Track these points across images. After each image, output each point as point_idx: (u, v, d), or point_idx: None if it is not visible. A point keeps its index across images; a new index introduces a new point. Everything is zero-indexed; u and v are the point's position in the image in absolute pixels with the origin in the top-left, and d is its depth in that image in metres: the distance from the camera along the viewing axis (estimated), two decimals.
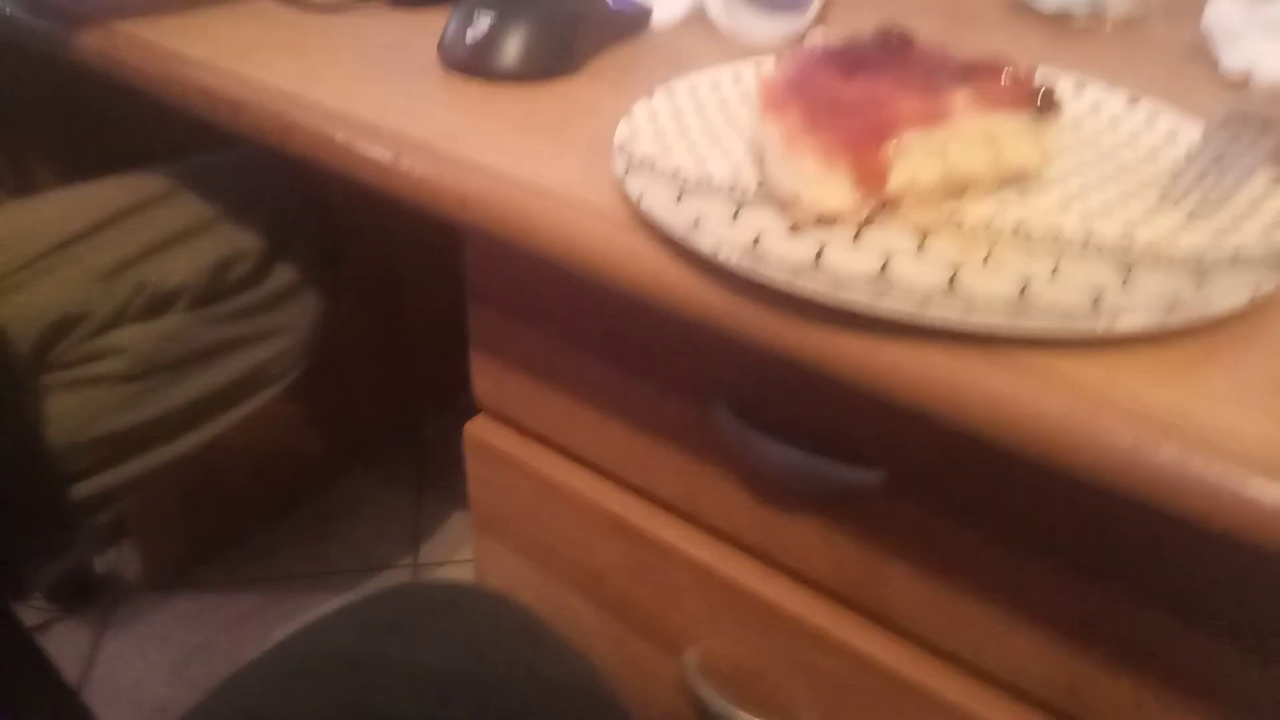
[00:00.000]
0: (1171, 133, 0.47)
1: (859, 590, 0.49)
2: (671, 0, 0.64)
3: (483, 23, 0.54)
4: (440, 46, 0.57)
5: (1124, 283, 0.36)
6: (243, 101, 0.54)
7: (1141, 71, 0.61)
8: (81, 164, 0.80)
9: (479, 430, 0.63)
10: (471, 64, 0.55)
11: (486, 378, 0.61)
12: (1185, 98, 0.56)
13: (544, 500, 0.61)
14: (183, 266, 0.70)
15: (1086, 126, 0.49)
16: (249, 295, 0.73)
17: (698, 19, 0.64)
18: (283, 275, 0.76)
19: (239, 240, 0.73)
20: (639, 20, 0.62)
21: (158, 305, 0.68)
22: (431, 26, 0.59)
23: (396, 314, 1.23)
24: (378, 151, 0.48)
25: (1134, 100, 0.49)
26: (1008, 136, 0.41)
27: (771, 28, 0.63)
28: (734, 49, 0.61)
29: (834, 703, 0.52)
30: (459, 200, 0.45)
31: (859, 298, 0.34)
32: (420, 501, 1.33)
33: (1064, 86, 0.51)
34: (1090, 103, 0.50)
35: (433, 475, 1.34)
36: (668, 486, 0.55)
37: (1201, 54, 0.61)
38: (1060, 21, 0.69)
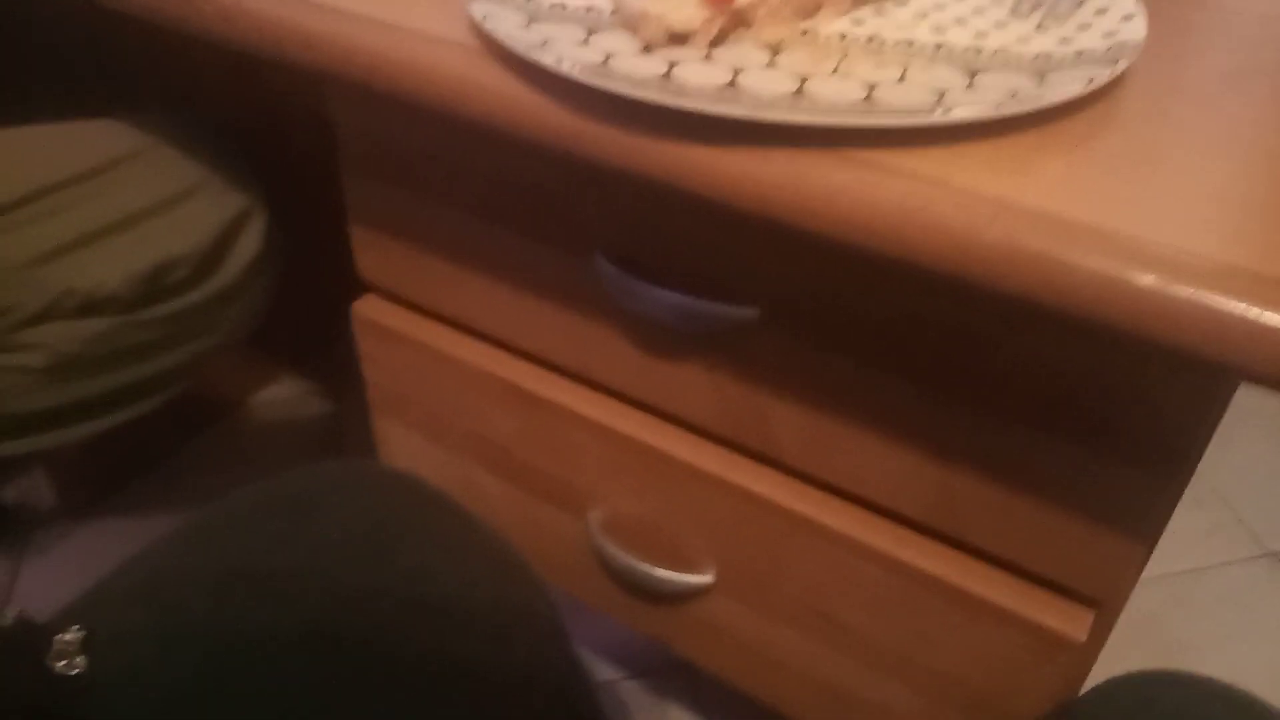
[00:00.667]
0: None
1: (744, 430, 0.50)
2: None
3: None
4: None
5: (968, 85, 0.36)
6: None
7: None
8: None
9: (366, 309, 0.62)
10: None
11: (369, 252, 0.60)
12: None
13: (437, 374, 0.60)
14: (115, 273, 0.64)
15: None
16: (186, 298, 0.68)
17: None
18: (225, 275, 0.70)
19: (179, 239, 0.66)
20: None
21: (86, 309, 0.64)
22: None
23: (311, 216, 1.20)
24: None
25: None
26: None
27: None
28: None
29: (729, 545, 0.53)
30: (303, 41, 0.43)
31: (703, 103, 0.33)
32: (341, 410, 1.32)
33: None
34: None
35: (354, 381, 1.32)
36: (557, 348, 0.54)
37: None
38: None
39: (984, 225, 0.30)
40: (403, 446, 0.68)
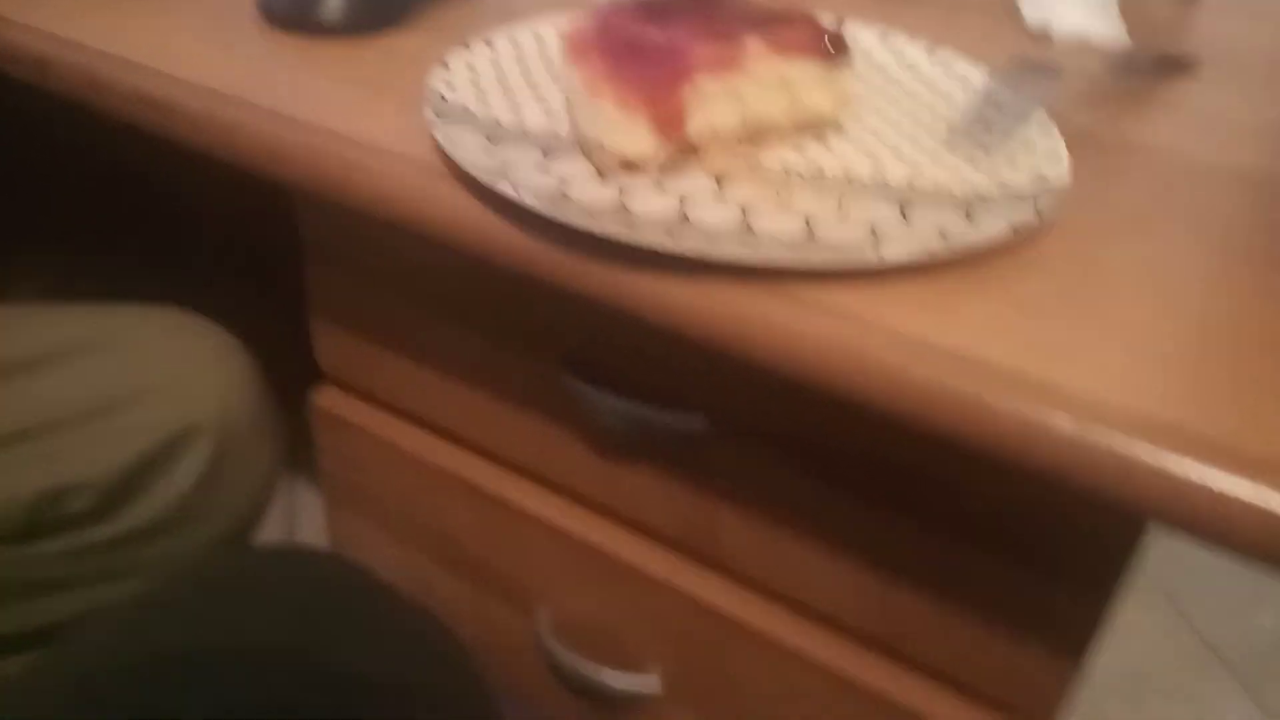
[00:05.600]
0: (964, 79, 0.49)
1: (693, 536, 0.51)
2: None
3: None
4: (260, 1, 0.55)
5: (903, 219, 0.38)
6: (48, 58, 0.52)
7: (956, 23, 0.63)
8: None
9: (325, 400, 0.62)
10: (293, 19, 0.54)
11: (329, 344, 0.60)
12: (992, 47, 0.59)
13: (392, 467, 0.60)
14: None
15: (888, 74, 0.51)
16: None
17: None
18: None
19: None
20: None
21: None
22: None
23: (265, 295, 1.19)
24: (191, 106, 0.47)
25: (932, 50, 0.51)
26: (802, 83, 0.42)
27: None
28: (565, 2, 0.61)
29: (678, 650, 0.54)
30: (270, 153, 0.45)
31: (653, 237, 0.35)
32: (293, 484, 1.30)
33: (869, 37, 0.53)
34: (894, 51, 0.52)
35: (305, 456, 1.31)
36: (512, 446, 0.55)
37: (1012, 10, 0.64)
38: None
39: (911, 365, 0.32)
40: (355, 535, 0.67)
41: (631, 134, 0.39)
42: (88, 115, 0.53)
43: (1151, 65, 0.57)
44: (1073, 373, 0.32)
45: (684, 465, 0.48)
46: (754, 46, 0.41)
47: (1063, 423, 0.30)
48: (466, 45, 0.48)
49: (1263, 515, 0.28)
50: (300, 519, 1.25)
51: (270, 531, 1.25)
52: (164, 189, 0.83)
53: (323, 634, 0.43)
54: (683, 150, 0.41)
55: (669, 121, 0.40)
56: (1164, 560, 1.24)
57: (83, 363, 0.57)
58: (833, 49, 0.42)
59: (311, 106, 0.47)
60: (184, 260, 0.91)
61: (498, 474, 0.57)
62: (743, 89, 0.41)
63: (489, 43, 0.49)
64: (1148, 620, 1.19)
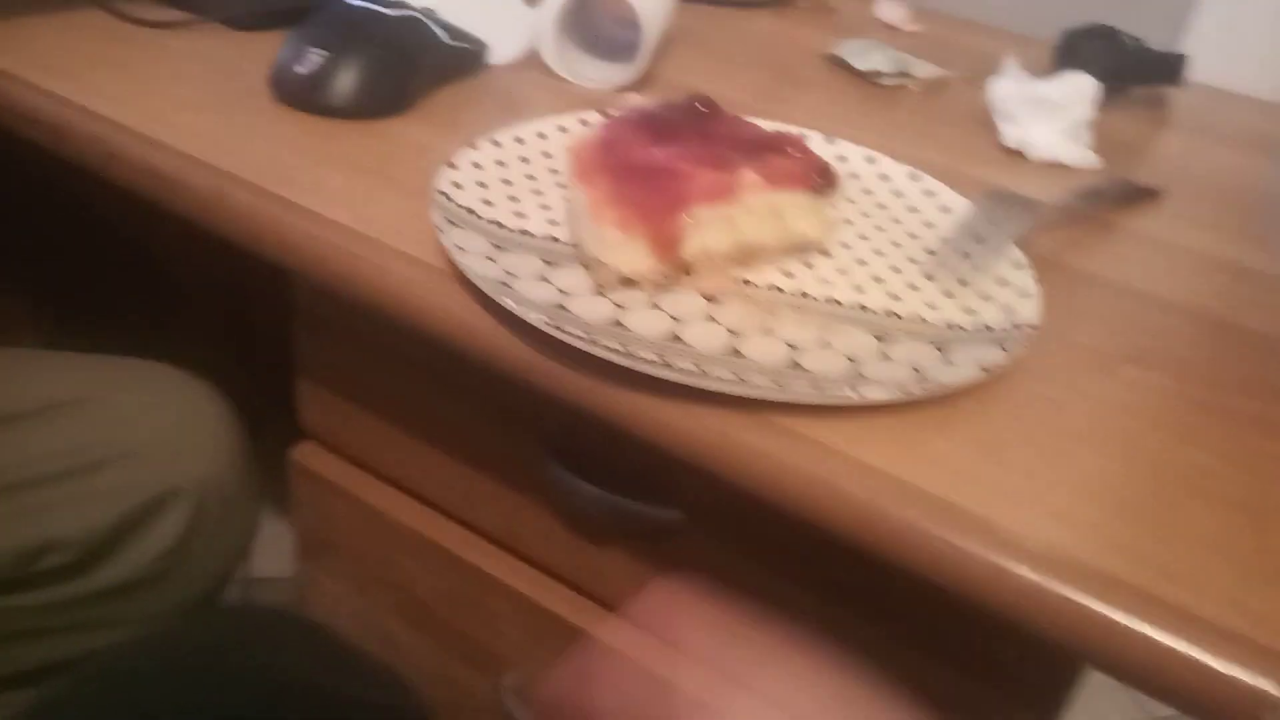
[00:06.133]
0: (945, 207, 0.52)
1: None
2: (508, 40, 0.66)
3: (312, 58, 0.55)
4: (272, 77, 0.57)
5: (881, 353, 0.41)
6: (66, 126, 0.53)
7: (937, 135, 0.67)
8: None
9: (304, 457, 0.63)
10: (302, 98, 0.56)
11: (313, 404, 0.62)
12: (970, 162, 0.63)
13: (367, 527, 0.62)
14: None
15: (874, 197, 0.54)
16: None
17: (533, 59, 0.66)
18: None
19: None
20: (475, 59, 0.64)
21: None
22: (270, 52, 0.59)
23: (243, 345, 1.20)
24: (202, 185, 0.49)
25: (915, 176, 0.54)
26: (791, 210, 0.45)
27: (602, 74, 0.66)
28: (566, 93, 0.64)
29: None
30: (279, 242, 0.46)
31: (648, 361, 0.37)
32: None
33: (857, 157, 0.56)
34: (878, 173, 0.55)
35: (273, 492, 1.31)
36: (488, 517, 0.57)
37: (990, 123, 0.67)
38: (872, 81, 0.75)
39: (883, 505, 0.35)
40: (324, 592, 0.68)
41: (630, 253, 0.42)
42: (91, 179, 0.54)
43: (1119, 193, 0.60)
44: (1029, 519, 0.34)
45: (658, 554, 0.50)
46: (748, 177, 0.44)
47: (1022, 571, 0.33)
48: (473, 145, 0.50)
49: (1196, 669, 0.31)
50: (259, 554, 1.25)
51: None
52: (158, 251, 0.84)
53: (288, 699, 0.44)
54: (677, 269, 0.44)
55: (666, 243, 0.42)
56: None
57: (70, 418, 0.58)
58: (822, 181, 0.45)
59: (319, 193, 0.48)
60: (171, 317, 0.92)
61: (471, 540, 0.58)
62: (736, 217, 0.44)
63: (495, 142, 0.51)
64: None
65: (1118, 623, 0.31)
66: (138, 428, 0.60)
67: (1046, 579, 0.32)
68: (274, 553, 1.25)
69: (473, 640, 0.61)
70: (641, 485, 0.48)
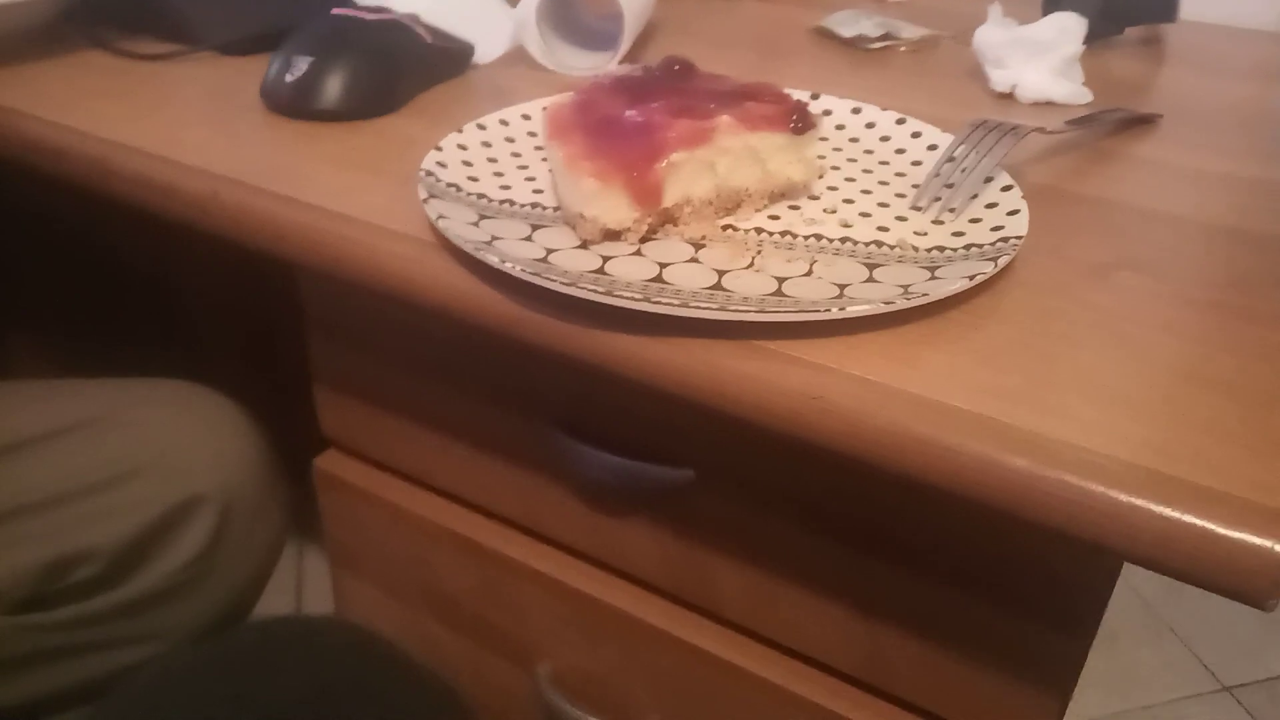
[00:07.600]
0: (932, 146, 0.52)
1: (686, 585, 0.52)
2: (493, 41, 0.68)
3: (299, 65, 0.56)
4: (262, 89, 0.59)
5: (868, 279, 0.40)
6: (65, 149, 0.55)
7: (927, 87, 0.66)
8: None
9: (328, 465, 0.64)
10: (292, 105, 0.57)
11: (331, 410, 0.63)
12: (961, 109, 0.62)
13: (394, 529, 0.62)
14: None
15: (860, 143, 0.53)
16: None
17: (519, 55, 0.67)
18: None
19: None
20: (462, 59, 0.65)
21: None
22: (262, 72, 0.61)
23: (270, 365, 1.22)
24: (196, 189, 0.50)
25: (902, 120, 0.54)
26: (770, 152, 0.45)
27: (587, 62, 0.67)
28: (552, 84, 0.65)
29: (674, 698, 0.55)
30: (273, 234, 0.47)
31: (629, 298, 0.37)
32: (301, 550, 1.31)
33: (843, 108, 0.56)
34: (864, 121, 0.55)
35: (313, 523, 1.32)
36: (509, 503, 0.57)
37: (979, 73, 0.67)
38: (861, 46, 0.75)
39: (873, 411, 0.34)
40: (359, 598, 0.69)
41: (610, 203, 0.42)
42: (94, 200, 0.55)
43: (1114, 122, 0.59)
44: (1022, 415, 0.34)
45: (675, 516, 0.50)
46: (724, 122, 0.44)
47: (1016, 461, 0.32)
48: (459, 129, 0.51)
49: (1219, 541, 0.30)
50: (307, 588, 1.26)
51: (279, 601, 1.25)
52: (167, 270, 0.86)
53: (334, 705, 0.44)
54: (662, 219, 0.44)
55: (646, 192, 0.42)
56: (1174, 602, 1.23)
57: (89, 437, 0.59)
58: (799, 122, 0.45)
59: (311, 188, 0.49)
60: (187, 338, 0.94)
61: (494, 529, 0.58)
62: (714, 160, 0.44)
63: (480, 125, 0.52)
64: (1159, 657, 1.18)
65: (1123, 502, 0.31)
66: (160, 439, 0.60)
67: (1045, 469, 0.32)
68: (319, 593, 1.27)
69: (503, 632, 0.61)
70: (652, 450, 0.47)
